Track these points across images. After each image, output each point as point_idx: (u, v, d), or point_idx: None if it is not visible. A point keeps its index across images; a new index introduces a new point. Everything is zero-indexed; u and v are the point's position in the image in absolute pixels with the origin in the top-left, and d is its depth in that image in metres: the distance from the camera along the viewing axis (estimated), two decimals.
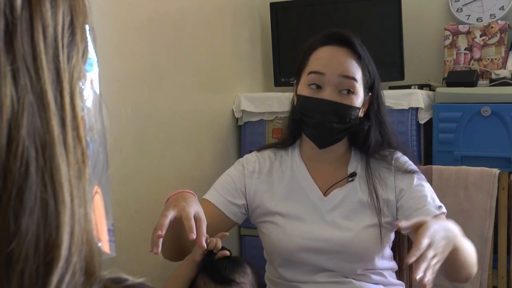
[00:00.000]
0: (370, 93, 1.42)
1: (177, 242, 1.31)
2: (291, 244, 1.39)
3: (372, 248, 1.38)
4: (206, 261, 1.32)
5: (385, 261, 1.44)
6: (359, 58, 1.38)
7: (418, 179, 1.41)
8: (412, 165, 1.44)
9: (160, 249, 1.11)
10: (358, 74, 1.38)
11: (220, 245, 1.31)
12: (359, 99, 1.38)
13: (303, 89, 1.41)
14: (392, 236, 1.45)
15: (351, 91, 1.37)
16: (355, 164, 1.45)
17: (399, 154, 1.45)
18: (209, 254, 1.32)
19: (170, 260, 1.42)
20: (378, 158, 1.43)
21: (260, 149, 1.54)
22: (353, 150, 1.47)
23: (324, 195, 1.42)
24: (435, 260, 1.10)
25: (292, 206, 1.43)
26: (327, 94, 1.36)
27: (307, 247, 1.39)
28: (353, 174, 1.43)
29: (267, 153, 1.51)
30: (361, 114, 1.42)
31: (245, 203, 1.46)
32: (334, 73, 1.36)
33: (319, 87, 1.38)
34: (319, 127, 1.38)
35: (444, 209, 1.39)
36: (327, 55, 1.39)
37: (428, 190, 1.41)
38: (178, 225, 1.17)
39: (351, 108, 1.37)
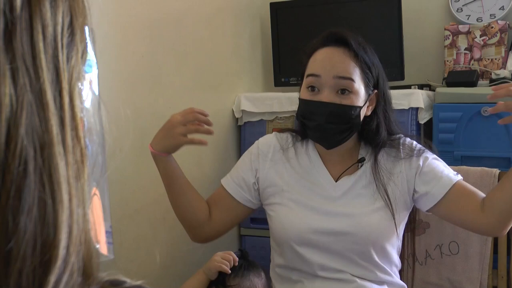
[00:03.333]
0: (375, 91, 1.43)
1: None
2: (302, 224, 1.41)
3: (382, 230, 1.40)
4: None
5: (395, 253, 1.46)
6: (356, 57, 1.38)
7: (427, 156, 1.44)
8: (418, 145, 1.47)
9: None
10: (355, 73, 1.38)
11: (236, 259, 1.39)
12: (359, 98, 1.38)
13: (303, 92, 1.43)
14: (402, 226, 1.46)
15: (349, 91, 1.37)
16: (364, 152, 1.47)
17: (403, 138, 1.48)
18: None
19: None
20: (386, 149, 1.46)
21: (280, 130, 1.59)
22: (362, 144, 1.49)
23: (335, 181, 1.45)
24: None
25: (303, 190, 1.46)
26: (325, 96, 1.37)
27: (318, 228, 1.40)
28: (362, 160, 1.45)
29: (286, 135, 1.54)
30: (367, 112, 1.43)
31: (255, 183, 1.49)
32: (329, 75, 1.37)
33: (317, 89, 1.39)
34: (319, 129, 1.40)
35: (460, 176, 1.42)
36: (323, 56, 1.40)
37: (440, 162, 1.44)
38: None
39: (350, 107, 1.37)
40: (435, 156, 1.46)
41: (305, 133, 1.49)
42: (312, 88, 1.40)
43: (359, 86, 1.38)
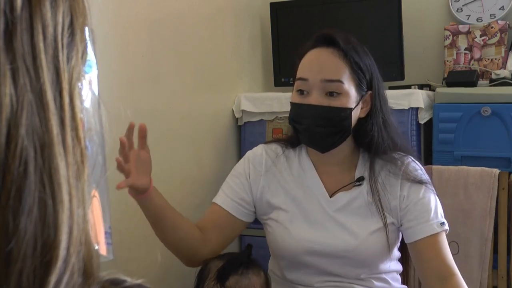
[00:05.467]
0: (369, 92, 1.39)
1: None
2: (296, 247, 1.39)
3: (378, 254, 1.38)
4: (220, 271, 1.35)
5: (392, 263, 1.43)
6: (345, 57, 1.35)
7: (426, 191, 1.38)
8: (423, 175, 1.41)
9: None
10: (344, 74, 1.34)
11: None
12: (350, 99, 1.35)
13: (293, 95, 1.40)
14: (400, 236, 1.45)
15: (337, 93, 1.34)
16: (363, 169, 1.43)
17: (409, 160, 1.42)
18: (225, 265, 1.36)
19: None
20: (385, 159, 1.41)
21: (267, 142, 1.55)
22: (361, 152, 1.44)
23: (330, 196, 1.41)
24: None
25: (298, 204, 1.42)
26: (313, 98, 1.35)
27: (312, 250, 1.38)
28: (361, 179, 1.41)
29: (274, 146, 1.50)
30: (362, 114, 1.39)
31: (252, 201, 1.46)
32: (316, 79, 1.34)
33: (306, 92, 1.36)
34: (308, 132, 1.37)
35: (446, 227, 1.37)
36: (311, 59, 1.38)
37: (434, 203, 1.38)
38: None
39: (339, 109, 1.33)
40: (432, 192, 1.40)
41: (297, 139, 1.46)
42: (301, 91, 1.37)
43: (349, 87, 1.34)
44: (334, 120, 1.34)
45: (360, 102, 1.38)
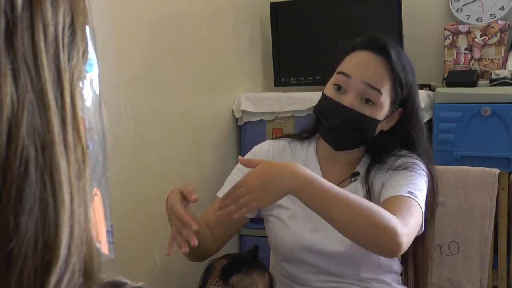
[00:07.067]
0: (400, 109, 1.38)
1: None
2: (294, 244, 1.39)
3: (374, 254, 1.37)
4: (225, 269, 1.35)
5: (392, 264, 1.43)
6: (392, 71, 1.34)
7: (405, 172, 1.34)
8: (408, 160, 1.37)
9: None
10: (385, 86, 1.33)
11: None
12: (382, 112, 1.34)
13: (328, 88, 1.38)
14: None
15: (373, 102, 1.33)
16: (362, 166, 1.43)
17: (404, 152, 1.41)
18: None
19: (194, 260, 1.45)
20: (384, 161, 1.40)
21: (275, 138, 1.55)
22: (366, 155, 1.45)
23: None
24: (245, 199, 1.14)
25: (298, 201, 1.42)
26: (348, 99, 1.33)
27: (310, 248, 1.38)
28: (356, 174, 1.42)
29: (282, 142, 1.50)
30: (385, 127, 1.39)
31: None
32: (359, 79, 1.33)
33: (343, 89, 1.35)
34: (332, 131, 1.36)
35: (415, 197, 1.27)
36: (359, 59, 1.36)
37: (413, 178, 1.32)
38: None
39: (369, 119, 1.33)
40: (412, 170, 1.34)
41: (313, 130, 1.46)
42: (338, 87, 1.35)
43: (385, 100, 1.34)
44: (360, 128, 1.34)
45: (388, 117, 1.38)
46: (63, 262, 0.36)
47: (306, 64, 2.45)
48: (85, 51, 0.40)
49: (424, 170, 1.38)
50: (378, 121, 1.34)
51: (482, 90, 2.13)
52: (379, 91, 1.32)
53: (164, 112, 2.04)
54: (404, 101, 1.38)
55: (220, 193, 1.47)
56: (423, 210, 1.30)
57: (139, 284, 0.44)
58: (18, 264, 0.34)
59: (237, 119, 2.45)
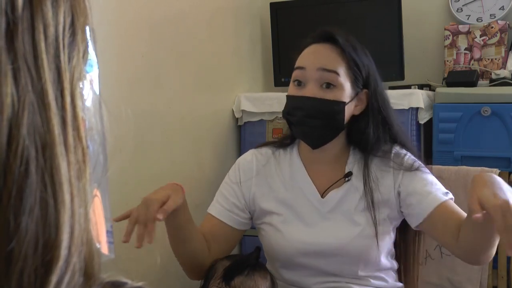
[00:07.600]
0: (365, 90, 1.39)
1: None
2: (290, 249, 1.39)
3: (372, 249, 1.38)
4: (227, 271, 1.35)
5: (388, 260, 1.44)
6: (343, 53, 1.36)
7: (420, 173, 1.38)
8: (411, 158, 1.41)
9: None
10: (340, 67, 1.35)
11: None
12: (344, 93, 1.35)
13: (290, 88, 1.41)
14: (393, 235, 1.45)
15: (333, 85, 1.34)
16: (352, 164, 1.43)
17: (397, 148, 1.42)
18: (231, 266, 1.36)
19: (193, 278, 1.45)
20: (379, 155, 1.40)
21: (258, 146, 1.54)
22: (351, 150, 1.44)
23: (322, 196, 1.41)
24: None
25: (290, 207, 1.42)
26: (309, 89, 1.35)
27: (306, 251, 1.38)
28: (349, 174, 1.41)
29: (265, 150, 1.50)
30: (355, 111, 1.39)
31: (246, 207, 1.46)
32: (313, 67, 1.35)
33: (302, 83, 1.37)
34: (300, 124, 1.37)
35: (451, 195, 1.36)
36: (309, 51, 1.39)
37: (431, 180, 1.38)
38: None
39: (333, 102, 1.34)
40: (425, 171, 1.39)
41: (291, 137, 1.46)
42: (298, 82, 1.38)
43: (345, 81, 1.35)
44: (327, 113, 1.34)
45: (355, 99, 1.38)
46: (63, 262, 0.36)
47: None
48: (86, 51, 0.40)
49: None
50: (344, 103, 1.35)
51: (482, 90, 2.13)
52: (335, 72, 1.34)
53: (164, 112, 2.04)
54: (366, 82, 1.39)
55: (212, 209, 1.47)
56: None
57: (139, 284, 0.44)
58: (19, 264, 0.35)
59: (237, 119, 2.46)
